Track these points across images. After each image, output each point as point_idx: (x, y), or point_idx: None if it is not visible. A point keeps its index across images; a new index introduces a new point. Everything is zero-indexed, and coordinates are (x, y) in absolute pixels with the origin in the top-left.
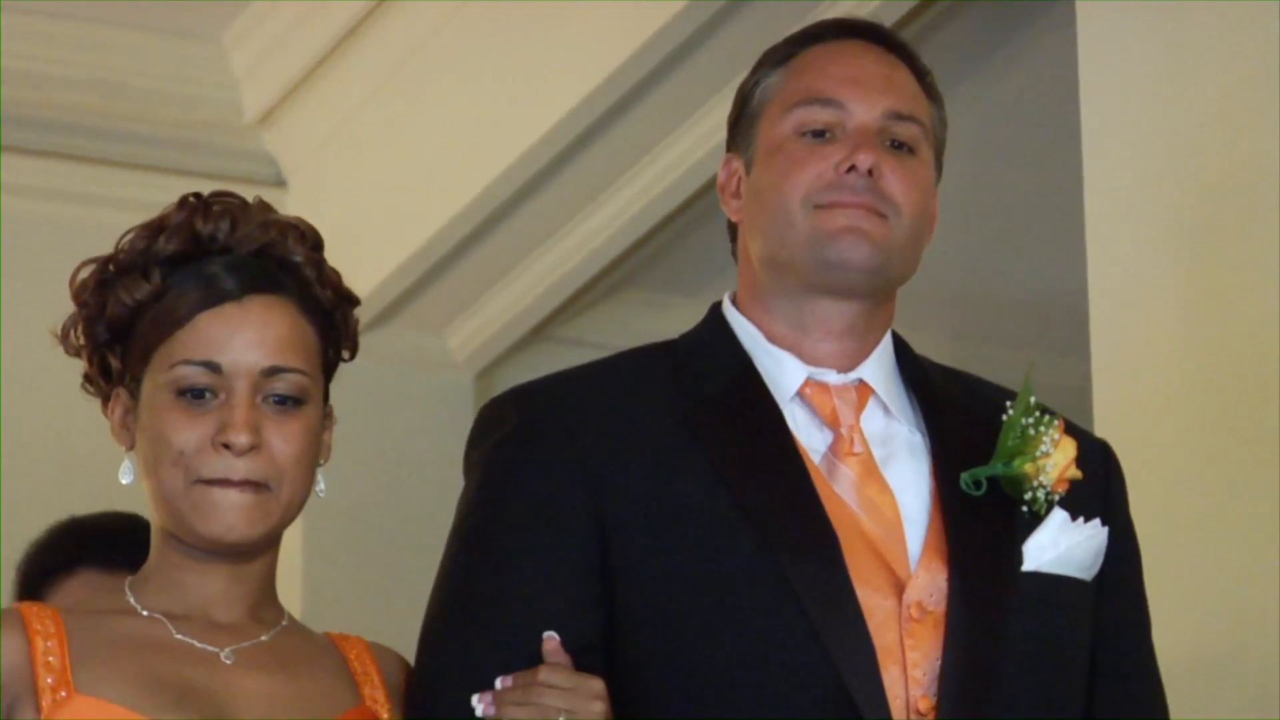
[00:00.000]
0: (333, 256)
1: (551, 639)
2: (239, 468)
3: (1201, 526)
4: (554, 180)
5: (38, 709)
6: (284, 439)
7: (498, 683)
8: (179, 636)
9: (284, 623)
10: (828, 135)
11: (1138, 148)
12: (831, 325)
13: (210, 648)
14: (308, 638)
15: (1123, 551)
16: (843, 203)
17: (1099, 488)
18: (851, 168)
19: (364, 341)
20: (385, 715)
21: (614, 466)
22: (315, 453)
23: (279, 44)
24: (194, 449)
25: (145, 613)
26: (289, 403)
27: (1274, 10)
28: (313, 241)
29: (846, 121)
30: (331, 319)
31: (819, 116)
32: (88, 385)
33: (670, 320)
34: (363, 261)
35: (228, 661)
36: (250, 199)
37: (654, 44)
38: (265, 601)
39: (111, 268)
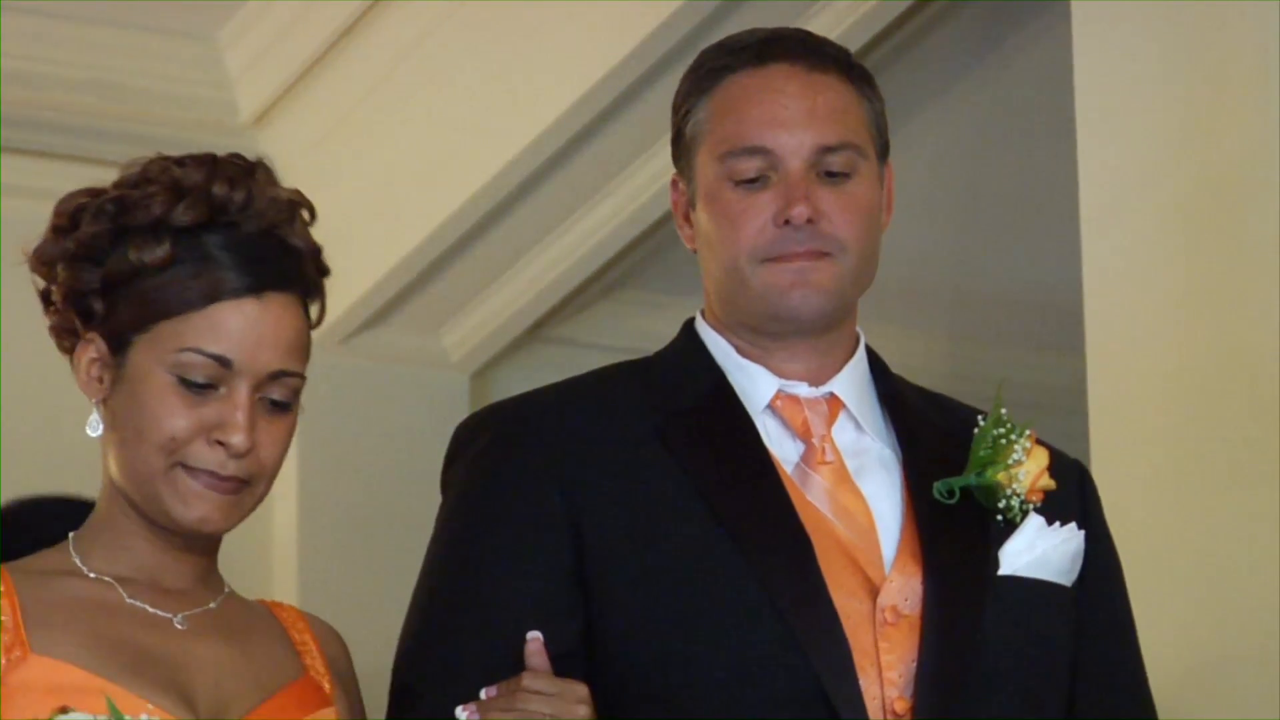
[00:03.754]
0: (328, 256)
1: (535, 639)
2: (230, 466)
3: (1199, 523)
4: (549, 180)
5: None
6: (272, 440)
7: (482, 694)
8: (130, 600)
9: (226, 590)
10: (761, 180)
11: (1132, 145)
12: (793, 350)
13: (163, 613)
14: (249, 606)
15: (1102, 559)
16: (788, 256)
17: (1075, 504)
18: (787, 221)
19: (360, 340)
20: (326, 685)
21: (588, 476)
22: (289, 448)
23: (274, 44)
24: (186, 438)
25: (92, 574)
26: (282, 405)
27: (1268, 8)
28: (311, 217)
29: (777, 164)
30: (314, 297)
31: (748, 165)
32: (51, 312)
33: (665, 320)
34: (358, 261)
35: (180, 627)
36: (254, 159)
37: (650, 44)
38: (211, 569)
39: (121, 220)
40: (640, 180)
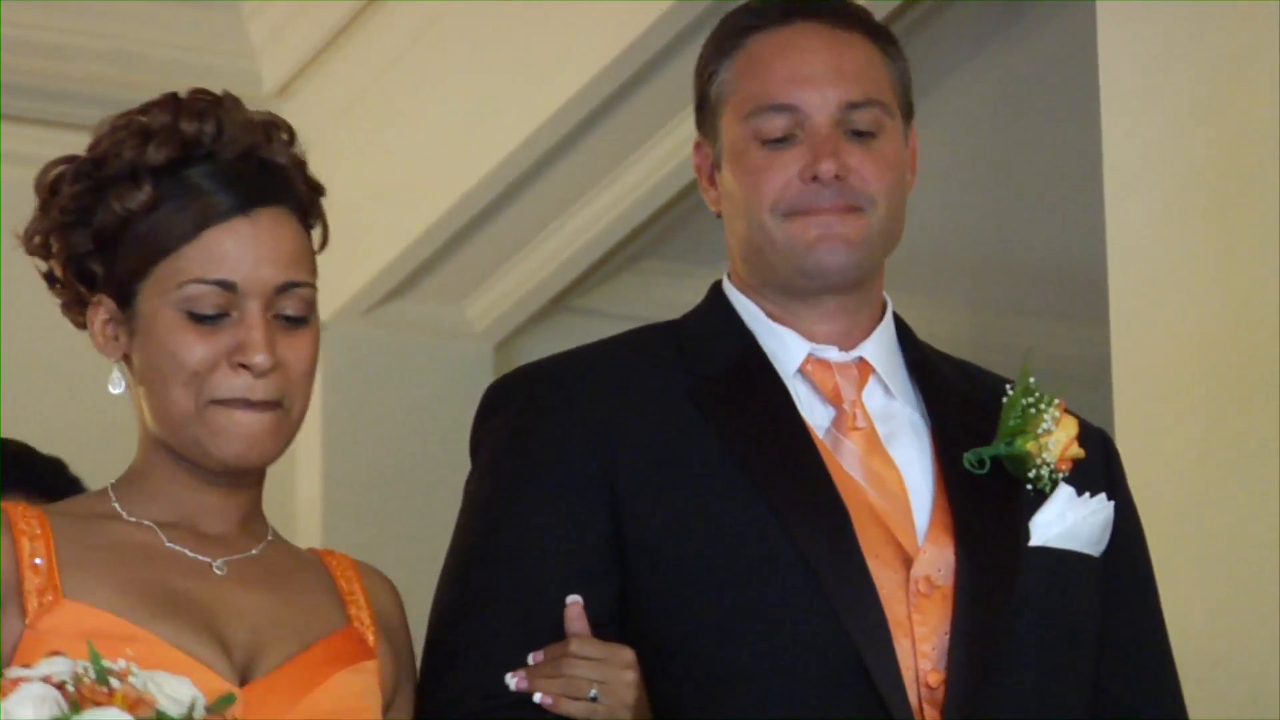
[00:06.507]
0: (352, 227)
1: (576, 603)
2: (259, 388)
3: (1226, 494)
4: (573, 150)
5: (23, 612)
6: (296, 355)
7: (530, 659)
8: (170, 545)
9: (270, 537)
10: (787, 139)
11: (1156, 114)
12: (822, 310)
13: (202, 558)
14: (295, 553)
15: (1128, 530)
16: (815, 209)
17: (1100, 473)
18: (815, 177)
19: (384, 311)
20: (370, 637)
21: (623, 440)
22: (317, 358)
23: (297, 14)
24: (208, 368)
25: (133, 519)
26: (298, 320)
27: None
28: (290, 136)
29: (803, 121)
30: (311, 215)
31: (774, 124)
32: (57, 289)
33: (688, 290)
34: (382, 232)
35: (219, 572)
36: (221, 93)
37: (673, 14)
38: (255, 514)
39: (98, 175)
40: (663, 151)
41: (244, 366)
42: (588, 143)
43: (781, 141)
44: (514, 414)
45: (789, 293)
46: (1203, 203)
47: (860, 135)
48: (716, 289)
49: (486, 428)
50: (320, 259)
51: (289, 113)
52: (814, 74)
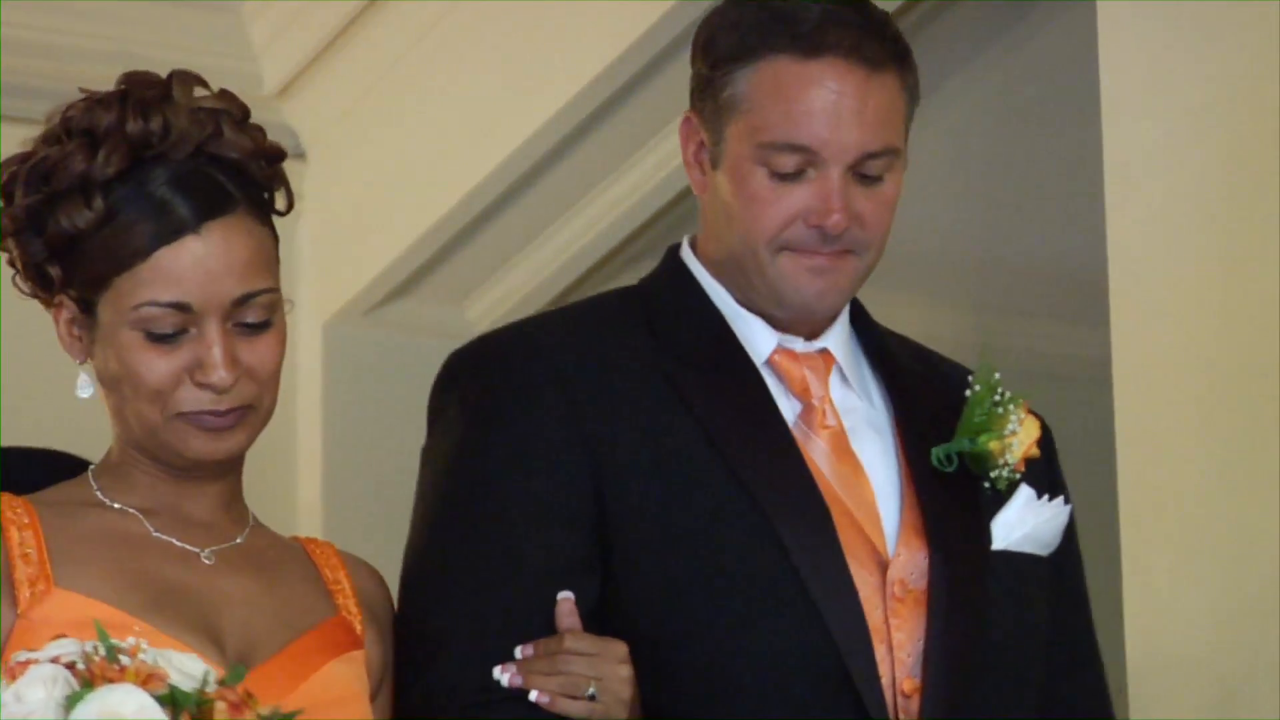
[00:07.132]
0: (353, 228)
1: (567, 598)
2: (224, 400)
3: (1227, 495)
4: (575, 151)
5: (14, 602)
6: (260, 359)
7: (517, 652)
8: (157, 534)
9: (251, 522)
10: (796, 174)
11: (1157, 116)
12: (797, 317)
13: (190, 547)
14: (279, 541)
15: (1068, 528)
16: (812, 251)
17: (1043, 464)
18: (820, 225)
19: (384, 313)
20: (357, 626)
21: (605, 419)
22: (284, 353)
23: (298, 15)
24: (170, 385)
25: (116, 505)
26: (260, 325)
27: None
28: (241, 117)
29: (817, 163)
30: (270, 189)
31: (787, 161)
32: (19, 286)
33: None
34: (383, 233)
35: (208, 562)
36: (168, 76)
37: (675, 15)
38: (236, 497)
39: (46, 188)
40: (665, 152)
41: (206, 385)
42: (589, 144)
43: (790, 175)
44: (489, 395)
45: (766, 304)
46: (1203, 204)
47: (867, 178)
48: (675, 259)
49: (450, 396)
50: (321, 260)
51: (289, 114)
52: (837, 120)
